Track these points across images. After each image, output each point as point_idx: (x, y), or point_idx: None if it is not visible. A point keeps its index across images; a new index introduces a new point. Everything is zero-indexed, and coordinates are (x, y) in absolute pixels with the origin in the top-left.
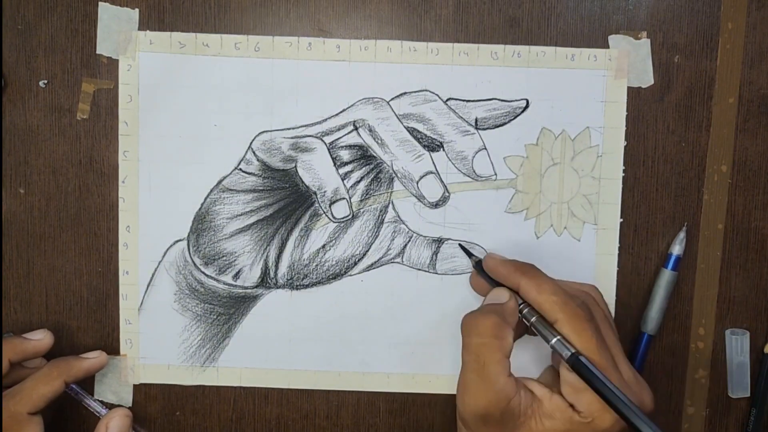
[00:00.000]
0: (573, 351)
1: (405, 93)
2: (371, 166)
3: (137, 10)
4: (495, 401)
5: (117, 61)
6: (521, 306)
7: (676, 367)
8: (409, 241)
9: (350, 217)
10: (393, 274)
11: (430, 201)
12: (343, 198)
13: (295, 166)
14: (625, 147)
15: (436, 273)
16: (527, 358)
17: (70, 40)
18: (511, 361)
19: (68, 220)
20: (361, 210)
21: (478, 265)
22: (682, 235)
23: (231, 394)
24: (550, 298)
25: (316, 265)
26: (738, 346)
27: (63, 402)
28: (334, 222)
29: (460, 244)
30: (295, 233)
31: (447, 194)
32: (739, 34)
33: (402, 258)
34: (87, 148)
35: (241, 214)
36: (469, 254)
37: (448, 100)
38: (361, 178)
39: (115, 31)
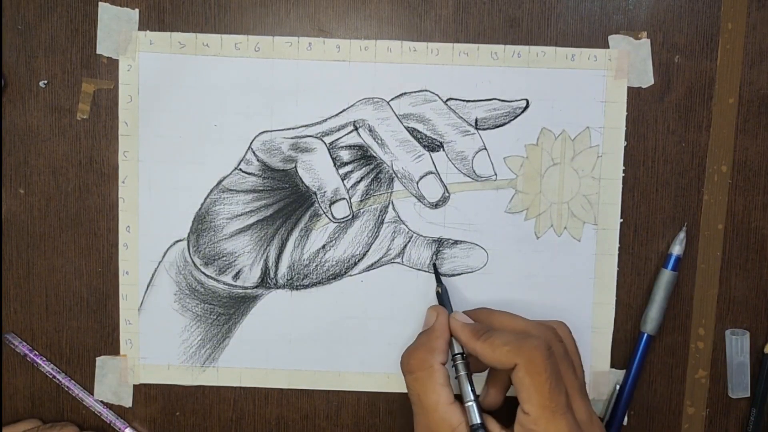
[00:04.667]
0: (479, 422)
1: (405, 93)
2: (371, 167)
3: (137, 10)
4: (437, 430)
5: (117, 61)
6: (454, 357)
7: (676, 367)
8: (409, 241)
9: (350, 217)
10: (393, 274)
11: (430, 201)
12: (343, 198)
13: (295, 167)
14: (625, 147)
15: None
16: None
17: (70, 40)
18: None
19: (68, 220)
20: (361, 210)
21: (438, 295)
22: (682, 235)
23: (231, 395)
24: (503, 350)
25: (316, 266)
26: (738, 346)
27: (63, 402)
28: (334, 222)
29: (434, 264)
30: (295, 233)
31: (447, 194)
32: (739, 34)
33: (402, 258)
34: (87, 148)
35: (241, 215)
36: (439, 281)
37: (448, 100)
38: (361, 179)
39: (115, 31)
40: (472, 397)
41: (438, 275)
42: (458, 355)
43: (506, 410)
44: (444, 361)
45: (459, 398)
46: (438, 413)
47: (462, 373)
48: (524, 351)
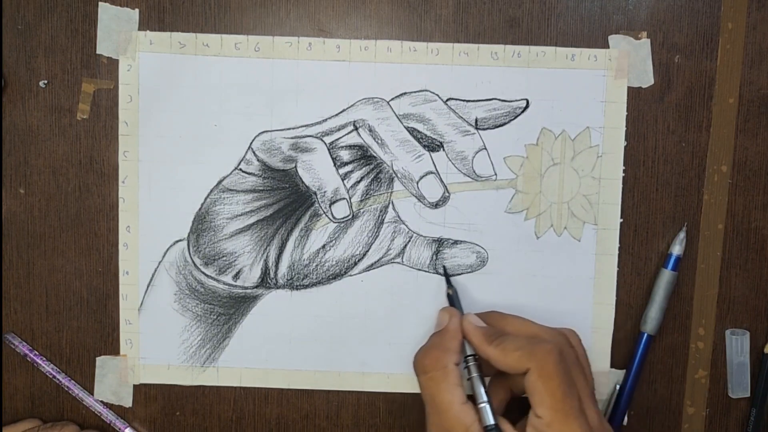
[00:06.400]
0: (493, 423)
1: (405, 93)
2: (371, 166)
3: (137, 10)
4: (451, 429)
5: (117, 61)
6: (467, 359)
7: (676, 367)
8: (409, 241)
9: (350, 217)
10: (393, 274)
11: (430, 201)
12: (343, 198)
13: (295, 166)
14: (625, 147)
15: (437, 273)
16: None
17: (70, 40)
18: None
19: (68, 220)
20: (361, 210)
21: (449, 297)
22: (682, 235)
23: (231, 394)
24: (514, 355)
25: (316, 266)
26: (738, 346)
27: (63, 402)
28: (334, 222)
29: (444, 266)
30: (295, 233)
31: (447, 194)
32: (739, 34)
33: (402, 258)
34: (87, 148)
35: (241, 214)
36: (449, 283)
37: (448, 100)
38: (361, 178)
39: (115, 31)
40: (485, 399)
41: (448, 277)
42: (471, 357)
43: (515, 412)
44: (458, 362)
45: (470, 399)
46: (452, 413)
47: (475, 374)
48: (536, 355)
